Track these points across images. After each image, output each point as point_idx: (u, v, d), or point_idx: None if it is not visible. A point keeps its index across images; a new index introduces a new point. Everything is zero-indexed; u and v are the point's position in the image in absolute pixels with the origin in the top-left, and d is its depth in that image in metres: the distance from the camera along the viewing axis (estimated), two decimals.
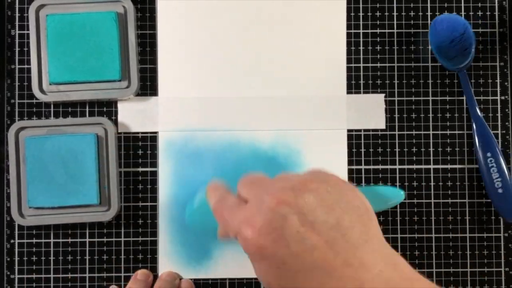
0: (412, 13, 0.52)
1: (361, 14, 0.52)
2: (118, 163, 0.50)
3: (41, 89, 0.50)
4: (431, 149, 0.51)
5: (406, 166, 0.51)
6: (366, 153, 0.51)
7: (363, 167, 0.51)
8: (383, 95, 0.51)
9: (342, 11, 0.52)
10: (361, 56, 0.51)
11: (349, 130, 0.51)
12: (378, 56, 0.52)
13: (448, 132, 0.51)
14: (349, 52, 0.51)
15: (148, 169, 0.51)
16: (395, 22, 0.52)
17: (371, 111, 0.51)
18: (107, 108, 0.51)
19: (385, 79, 0.51)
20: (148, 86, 0.51)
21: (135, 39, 0.50)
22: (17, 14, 0.51)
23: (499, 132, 0.51)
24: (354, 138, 0.51)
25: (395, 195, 0.39)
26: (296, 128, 0.51)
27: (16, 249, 0.50)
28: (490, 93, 0.51)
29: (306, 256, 0.31)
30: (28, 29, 0.50)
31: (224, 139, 0.51)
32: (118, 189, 0.49)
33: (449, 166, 0.51)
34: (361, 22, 0.52)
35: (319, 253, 0.30)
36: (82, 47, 0.49)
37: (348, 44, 0.51)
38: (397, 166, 0.51)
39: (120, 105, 0.51)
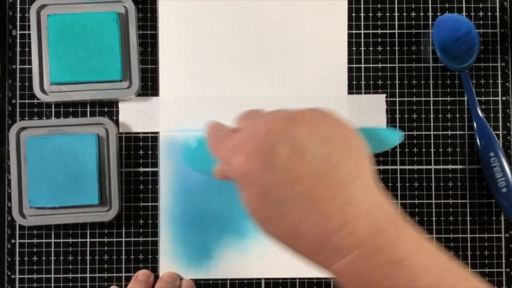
0: (413, 14, 0.52)
1: (362, 14, 0.52)
2: (119, 163, 0.50)
3: (42, 89, 0.50)
4: (432, 150, 0.51)
5: (407, 167, 0.51)
6: None
7: None
8: (384, 95, 0.51)
9: (343, 11, 0.52)
10: (362, 57, 0.51)
11: None
12: (379, 56, 0.51)
13: (449, 132, 0.51)
14: (350, 53, 0.51)
15: (149, 169, 0.51)
16: (396, 22, 0.52)
17: (372, 112, 0.51)
18: (108, 108, 0.51)
19: (386, 80, 0.51)
20: (149, 86, 0.51)
21: (136, 39, 0.50)
22: (18, 14, 0.51)
23: (500, 132, 0.51)
24: None
25: (392, 137, 0.39)
26: None
27: (17, 249, 0.50)
28: (491, 93, 0.51)
29: (291, 186, 0.30)
30: (29, 29, 0.50)
31: None
32: (119, 189, 0.49)
33: (450, 167, 0.51)
34: (362, 23, 0.52)
35: (305, 184, 0.30)
36: (83, 47, 0.49)
37: (349, 44, 0.51)
38: (398, 167, 0.51)
39: (121, 105, 0.51)
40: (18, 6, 0.51)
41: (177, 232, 0.50)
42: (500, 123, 0.51)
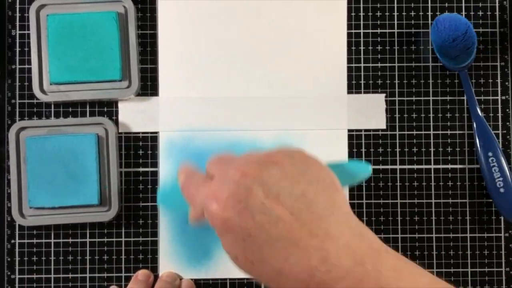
0: (412, 13, 0.52)
1: (361, 14, 0.52)
2: (118, 163, 0.50)
3: (42, 89, 0.50)
4: (432, 149, 0.51)
5: (406, 166, 0.51)
6: (367, 153, 0.51)
7: None
8: (383, 95, 0.51)
9: (343, 11, 0.52)
10: (362, 56, 0.51)
11: (349, 130, 0.51)
12: (379, 56, 0.52)
13: (448, 132, 0.51)
14: (349, 52, 0.51)
15: (149, 169, 0.51)
16: (395, 22, 0.52)
17: (371, 111, 0.51)
18: (108, 108, 0.51)
19: (385, 79, 0.51)
20: (148, 86, 0.51)
21: (136, 39, 0.50)
22: (17, 14, 0.51)
23: (500, 132, 0.51)
24: (355, 138, 0.51)
25: (362, 170, 0.39)
26: (297, 128, 0.51)
27: (17, 249, 0.50)
28: (490, 93, 0.51)
29: (271, 228, 0.30)
30: (28, 29, 0.50)
31: (224, 139, 0.51)
32: (119, 189, 0.49)
33: (449, 166, 0.51)
34: (361, 22, 0.52)
35: (284, 224, 0.30)
36: (82, 47, 0.49)
37: (349, 44, 0.51)
38: (398, 166, 0.51)
39: (120, 105, 0.51)
40: (18, 6, 0.51)
41: (176, 232, 0.50)
42: (500, 123, 0.51)
